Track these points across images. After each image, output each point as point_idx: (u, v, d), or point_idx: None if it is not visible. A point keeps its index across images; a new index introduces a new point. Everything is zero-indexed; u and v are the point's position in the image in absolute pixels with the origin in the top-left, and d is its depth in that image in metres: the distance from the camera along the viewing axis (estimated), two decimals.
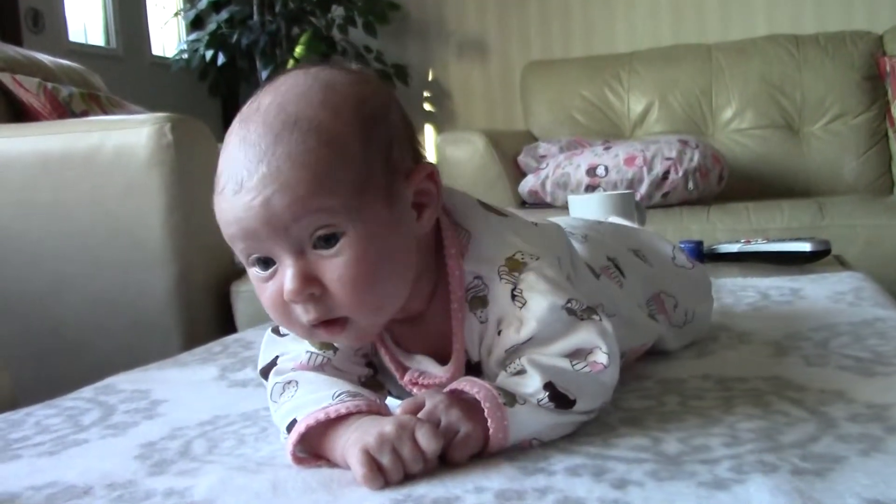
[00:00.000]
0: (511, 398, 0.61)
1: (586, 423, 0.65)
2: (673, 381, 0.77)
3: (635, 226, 0.98)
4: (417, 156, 0.66)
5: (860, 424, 0.61)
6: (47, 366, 1.57)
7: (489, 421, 0.60)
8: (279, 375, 0.69)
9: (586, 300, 0.66)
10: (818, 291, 1.16)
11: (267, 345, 0.73)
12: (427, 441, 0.57)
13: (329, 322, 0.61)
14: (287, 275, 0.59)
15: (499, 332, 0.66)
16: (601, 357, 0.64)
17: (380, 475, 0.56)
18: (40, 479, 0.65)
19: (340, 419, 0.61)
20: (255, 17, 3.25)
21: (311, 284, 0.59)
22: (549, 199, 2.50)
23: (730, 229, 2.15)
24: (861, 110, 2.79)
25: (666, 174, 2.34)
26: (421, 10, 3.61)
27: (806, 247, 1.46)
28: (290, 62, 3.20)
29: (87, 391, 0.92)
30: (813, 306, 1.07)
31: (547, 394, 0.61)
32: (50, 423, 0.80)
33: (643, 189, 2.33)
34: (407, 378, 0.70)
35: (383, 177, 0.61)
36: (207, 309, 1.64)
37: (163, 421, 0.78)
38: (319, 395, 0.64)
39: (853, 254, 1.93)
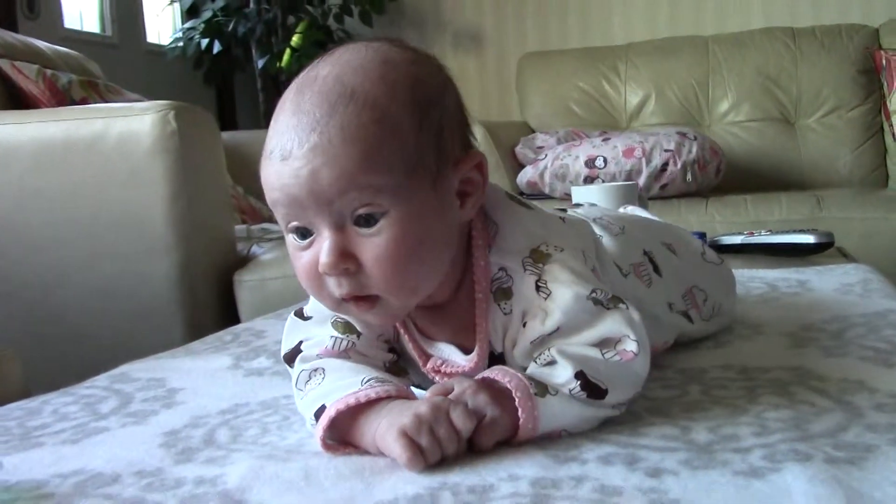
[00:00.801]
0: (542, 388, 0.61)
1: None
2: (694, 370, 0.77)
3: (663, 220, 0.98)
4: (467, 144, 0.66)
5: (887, 414, 0.62)
6: (50, 353, 1.56)
7: (520, 410, 0.60)
8: (305, 363, 0.69)
9: (611, 290, 0.66)
10: (826, 283, 1.16)
11: (290, 329, 0.73)
12: (462, 421, 0.58)
13: (360, 298, 0.62)
14: (324, 247, 0.59)
15: (524, 324, 0.66)
16: (630, 345, 0.63)
17: (421, 457, 0.56)
18: (65, 466, 0.64)
19: (370, 404, 0.62)
20: (252, 5, 3.23)
21: (347, 259, 0.59)
22: (547, 191, 2.50)
23: (728, 221, 2.16)
24: (856, 103, 2.80)
25: (665, 166, 2.35)
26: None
27: (810, 239, 1.46)
28: (287, 52, 3.18)
29: (101, 379, 0.91)
30: (823, 298, 1.08)
31: (578, 383, 0.61)
32: (68, 412, 0.80)
33: (642, 180, 2.33)
34: (430, 365, 0.70)
35: (432, 161, 0.61)
36: (210, 298, 1.64)
37: (182, 409, 0.78)
38: (348, 382, 0.64)
39: (850, 246, 1.93)
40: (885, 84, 2.73)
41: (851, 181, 2.74)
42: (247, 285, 1.63)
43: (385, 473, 0.57)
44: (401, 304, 0.64)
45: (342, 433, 0.63)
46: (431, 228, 0.61)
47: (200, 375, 0.90)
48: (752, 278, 1.25)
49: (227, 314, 1.64)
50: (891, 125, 2.72)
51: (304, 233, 0.61)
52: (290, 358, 0.71)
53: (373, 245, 0.59)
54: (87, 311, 1.56)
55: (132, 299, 1.55)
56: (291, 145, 0.58)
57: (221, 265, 1.67)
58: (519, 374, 0.62)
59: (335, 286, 0.61)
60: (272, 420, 0.73)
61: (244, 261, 1.73)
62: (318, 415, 0.63)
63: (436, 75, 0.65)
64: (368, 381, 0.63)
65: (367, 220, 0.59)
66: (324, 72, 0.60)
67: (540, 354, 0.65)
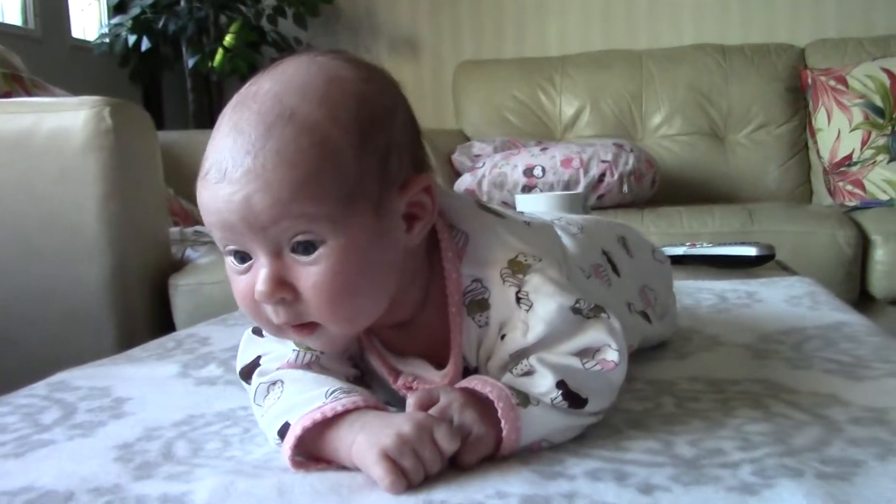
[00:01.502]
0: (524, 398, 0.59)
1: (592, 425, 0.64)
2: (662, 382, 0.77)
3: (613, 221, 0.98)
4: (419, 163, 0.63)
5: (865, 428, 0.62)
6: None
7: (503, 422, 0.58)
8: (263, 376, 0.66)
9: (593, 299, 0.65)
10: (774, 295, 1.18)
11: (247, 345, 0.70)
12: (447, 442, 0.55)
13: (299, 325, 0.59)
14: (260, 275, 0.56)
15: (502, 337, 0.64)
16: (612, 355, 0.62)
17: (403, 479, 0.53)
18: (11, 483, 0.60)
19: (337, 417, 0.58)
20: (182, 3, 3.15)
21: (282, 289, 0.57)
22: (485, 199, 2.49)
23: (664, 233, 2.18)
24: (783, 120, 2.88)
25: (602, 177, 2.36)
26: (352, 3, 3.56)
27: (752, 251, 1.48)
28: (220, 52, 3.11)
29: (39, 388, 0.86)
30: (773, 310, 1.09)
31: (560, 392, 0.60)
32: (6, 423, 0.74)
33: (579, 191, 2.34)
34: (400, 382, 0.67)
35: (374, 187, 0.58)
36: (144, 303, 1.58)
37: (133, 420, 0.73)
38: (310, 395, 0.61)
39: (781, 259, 1.98)
40: (811, 102, 2.81)
41: (778, 196, 2.81)
42: (182, 290, 1.58)
43: (364, 491, 0.54)
44: (341, 333, 0.61)
45: (310, 449, 0.59)
46: (372, 258, 0.59)
47: (147, 384, 0.85)
48: (699, 289, 1.25)
49: (161, 320, 1.58)
50: (815, 143, 2.80)
51: (242, 256, 0.58)
52: (248, 373, 0.68)
53: (310, 274, 0.56)
54: (14, 314, 1.48)
55: (62, 303, 1.49)
56: (226, 167, 0.55)
57: (156, 269, 1.61)
58: (499, 384, 0.60)
59: (272, 314, 0.58)
60: (232, 433, 0.69)
61: (179, 264, 1.67)
62: (281, 433, 0.60)
63: (385, 94, 0.61)
64: (333, 392, 0.60)
65: (306, 248, 0.56)
66: (264, 88, 0.57)
67: (516, 364, 0.63)
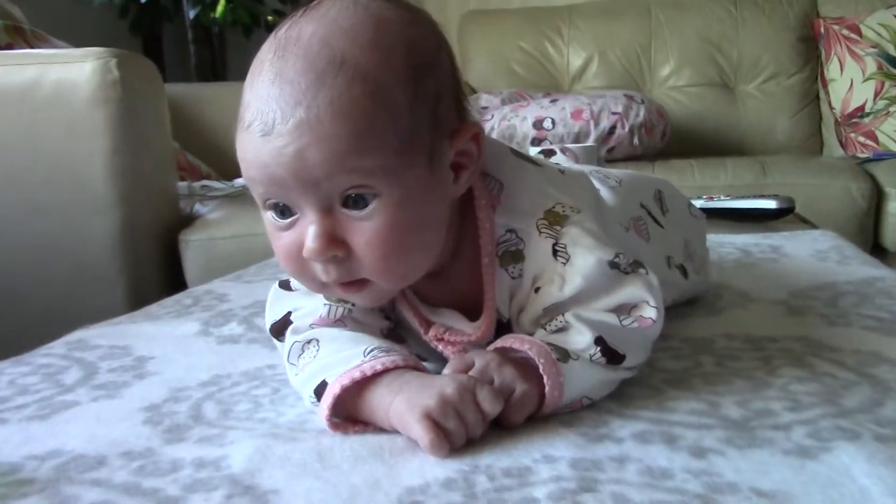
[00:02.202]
0: (564, 354, 0.57)
1: (631, 385, 0.62)
2: (699, 340, 0.75)
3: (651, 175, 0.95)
4: (462, 111, 0.60)
5: None
6: None
7: (545, 378, 0.56)
8: (297, 334, 0.64)
9: (631, 253, 0.63)
10: (799, 249, 1.15)
11: (274, 300, 0.68)
12: (490, 404, 0.53)
13: (348, 282, 0.57)
14: (310, 231, 0.54)
15: (536, 289, 0.62)
16: (649, 311, 0.61)
17: (446, 441, 0.52)
18: (39, 447, 0.58)
19: (376, 377, 0.56)
20: None
21: (336, 246, 0.54)
22: None
23: (676, 185, 2.15)
24: (795, 71, 2.83)
25: (612, 129, 2.33)
26: None
27: (771, 204, 1.46)
28: (221, 2, 3.04)
29: (57, 346, 0.84)
30: (801, 264, 1.07)
31: (598, 349, 0.58)
32: (27, 383, 0.73)
33: (590, 143, 2.31)
34: (432, 333, 0.65)
35: (427, 136, 0.55)
36: (154, 258, 1.56)
37: (158, 381, 0.72)
38: (348, 353, 0.59)
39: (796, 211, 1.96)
40: (823, 52, 2.76)
41: (789, 147, 2.77)
42: (193, 245, 1.56)
43: (406, 455, 0.53)
44: (392, 288, 0.60)
45: (348, 409, 0.57)
46: (425, 210, 0.56)
47: (168, 342, 0.83)
48: (721, 243, 1.23)
49: (172, 275, 1.56)
50: (827, 93, 2.75)
51: (283, 210, 0.55)
52: (279, 330, 0.66)
53: (363, 230, 0.54)
54: (21, 272, 1.46)
55: (70, 259, 1.46)
56: (273, 118, 0.52)
57: (165, 224, 1.59)
58: (537, 341, 0.58)
59: (321, 272, 0.56)
60: (261, 393, 0.67)
61: (188, 219, 1.65)
62: (318, 392, 0.58)
63: (431, 38, 0.58)
64: (371, 351, 0.58)
65: (357, 202, 0.53)
66: (307, 30, 0.53)
67: (550, 320, 0.61)
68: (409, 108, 0.54)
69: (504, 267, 0.62)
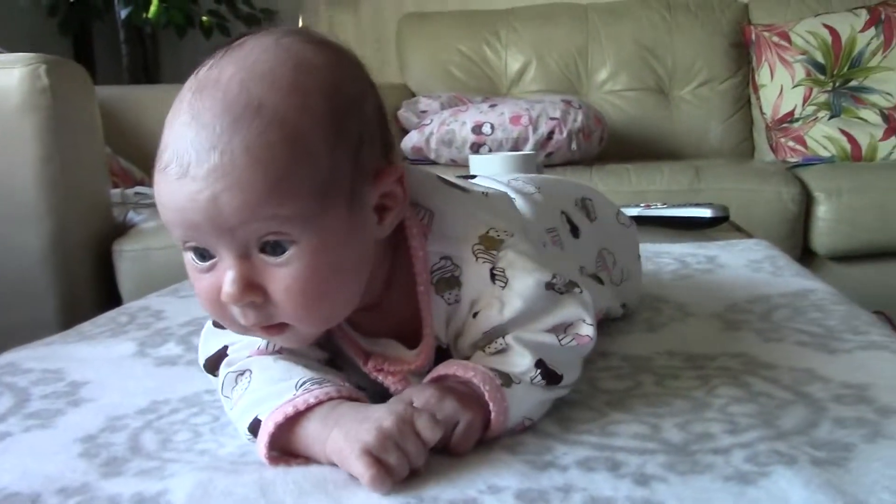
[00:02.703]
0: (507, 379, 0.58)
1: (574, 407, 0.63)
2: (639, 358, 0.76)
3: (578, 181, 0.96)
4: (388, 150, 0.60)
5: (849, 406, 0.62)
6: None
7: (491, 405, 0.56)
8: (230, 366, 0.63)
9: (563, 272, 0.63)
10: (734, 259, 1.18)
11: (209, 335, 0.67)
12: (430, 431, 0.53)
13: (268, 326, 0.56)
14: (227, 277, 0.53)
15: (474, 314, 0.62)
16: (586, 329, 0.62)
17: (387, 476, 0.51)
18: None
19: (309, 410, 0.56)
20: None
21: (252, 292, 0.53)
22: (433, 157, 2.46)
23: (614, 191, 2.17)
24: (727, 76, 2.89)
25: (551, 134, 2.35)
26: None
27: (707, 213, 1.49)
28: (154, 2, 2.98)
29: None
30: (736, 275, 1.09)
31: (539, 371, 0.59)
32: None
33: (528, 148, 2.32)
34: (371, 364, 0.65)
35: (347, 181, 0.55)
36: (86, 270, 1.52)
37: (93, 408, 0.70)
38: (280, 387, 0.58)
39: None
40: (754, 58, 2.83)
41: (721, 151, 2.83)
42: (127, 256, 1.53)
43: (351, 488, 0.52)
44: (313, 332, 0.59)
45: (284, 444, 0.56)
46: (345, 255, 0.56)
47: (103, 365, 0.82)
48: (659, 253, 1.25)
49: (105, 288, 1.53)
50: (758, 98, 2.82)
51: (203, 254, 0.54)
52: (214, 364, 0.65)
53: (281, 276, 0.53)
54: None
55: None
56: (188, 161, 0.51)
57: (98, 234, 1.55)
58: (480, 367, 0.58)
59: (240, 316, 0.55)
60: (201, 421, 0.66)
61: (122, 229, 1.61)
62: (252, 428, 0.57)
63: (355, 79, 0.58)
64: (303, 383, 0.57)
65: (274, 248, 0.53)
66: (227, 72, 0.53)
67: (489, 343, 0.61)
68: (328, 153, 0.53)
69: (440, 294, 0.62)
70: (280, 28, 0.58)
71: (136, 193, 1.83)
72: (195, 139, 0.51)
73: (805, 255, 2.21)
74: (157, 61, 3.29)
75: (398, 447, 0.52)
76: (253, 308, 0.54)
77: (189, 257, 0.55)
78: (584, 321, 0.62)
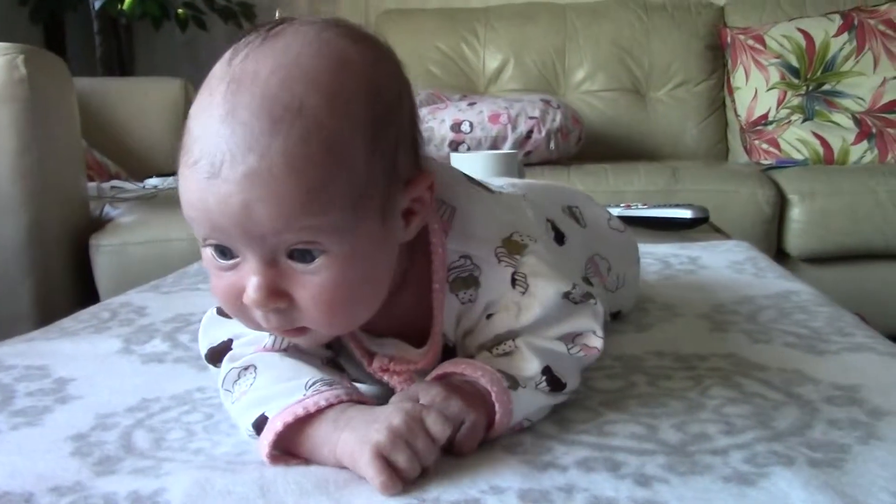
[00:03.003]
0: (514, 381, 0.58)
1: (569, 408, 0.63)
2: (630, 357, 0.76)
3: (567, 186, 0.96)
4: (418, 154, 0.58)
5: (841, 408, 0.62)
6: None
7: (497, 406, 0.56)
8: (234, 361, 0.61)
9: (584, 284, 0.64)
10: (716, 260, 1.19)
11: (210, 325, 0.65)
12: (440, 428, 0.52)
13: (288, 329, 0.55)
14: (252, 282, 0.52)
15: (488, 316, 0.62)
16: (595, 341, 0.62)
17: (397, 478, 0.50)
18: None
19: (319, 412, 0.55)
20: None
21: (278, 298, 0.52)
22: None
23: (591, 191, 2.14)
24: (703, 78, 2.91)
25: (530, 133, 2.35)
26: None
27: (687, 214, 1.50)
28: None
29: None
30: (719, 277, 1.10)
31: (545, 378, 0.59)
32: None
33: (507, 147, 2.32)
34: (376, 365, 0.64)
35: (382, 190, 0.53)
36: (62, 264, 1.50)
37: (81, 406, 0.69)
38: (289, 386, 0.57)
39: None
40: (730, 61, 2.85)
41: (697, 153, 2.86)
42: (105, 250, 1.51)
43: (352, 488, 0.52)
44: (333, 335, 0.59)
45: (288, 444, 0.56)
46: (374, 263, 0.55)
47: (89, 362, 0.80)
48: (642, 254, 1.24)
49: (81, 282, 1.51)
50: (733, 101, 2.84)
51: (224, 251, 0.53)
52: (217, 355, 0.64)
53: (309, 284, 0.52)
54: None
55: None
56: (222, 161, 0.49)
57: (74, 227, 1.53)
58: (488, 368, 0.58)
59: (261, 319, 0.54)
60: (194, 419, 0.65)
61: (99, 223, 1.59)
62: (257, 425, 0.56)
63: (394, 79, 0.56)
64: (313, 384, 0.56)
65: (303, 256, 0.51)
66: (266, 67, 0.50)
67: (498, 344, 0.61)
68: (365, 161, 0.52)
69: (454, 292, 0.62)
70: (318, 18, 0.55)
71: (113, 187, 1.81)
72: (230, 138, 0.49)
73: (778, 256, 2.23)
74: (131, 52, 3.25)
75: (408, 445, 0.51)
76: (276, 313, 0.53)
77: (208, 253, 0.54)
78: (594, 333, 0.62)
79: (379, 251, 0.55)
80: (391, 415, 0.53)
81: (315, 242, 0.51)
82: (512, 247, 0.61)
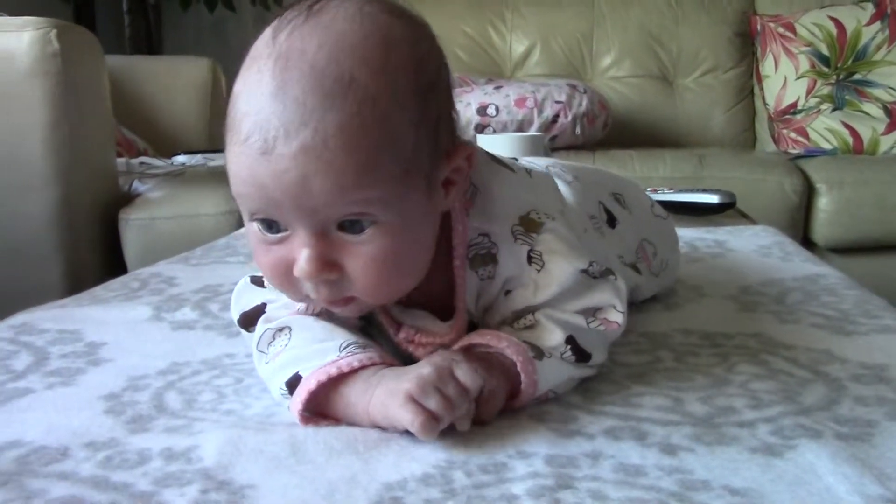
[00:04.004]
0: (539, 351, 0.58)
1: (595, 380, 0.64)
2: (657, 335, 0.76)
3: (612, 173, 0.96)
4: (454, 128, 0.59)
5: (868, 386, 0.62)
6: None
7: (522, 375, 0.57)
8: (269, 322, 0.63)
9: (601, 259, 0.64)
10: (743, 244, 1.18)
11: (244, 292, 0.67)
12: (470, 378, 0.53)
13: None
14: (304, 254, 0.52)
15: (506, 292, 0.63)
16: (616, 316, 0.63)
17: (434, 421, 0.51)
18: None
19: (352, 373, 0.56)
20: None
21: (329, 269, 0.53)
22: None
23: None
24: (731, 65, 2.89)
25: (556, 118, 2.35)
26: None
27: (714, 199, 1.49)
28: None
29: (2, 330, 0.81)
30: (746, 260, 1.09)
31: (569, 347, 0.60)
32: None
33: (533, 131, 2.32)
34: (403, 335, 0.65)
35: (428, 160, 0.55)
36: (92, 237, 1.52)
37: (114, 368, 0.70)
38: (323, 346, 0.58)
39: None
40: (759, 49, 2.83)
41: (723, 140, 2.84)
42: (134, 224, 1.52)
43: (381, 448, 0.52)
44: (380, 303, 0.60)
45: (319, 404, 0.56)
46: (420, 232, 0.56)
47: (120, 328, 0.81)
48: None
49: (111, 256, 1.53)
50: (761, 89, 2.82)
51: (270, 224, 0.53)
52: (251, 319, 0.65)
53: (359, 254, 0.53)
54: None
55: (4, 238, 1.42)
56: (275, 136, 0.49)
57: (104, 202, 1.55)
58: (513, 339, 0.59)
59: (311, 290, 0.55)
60: (224, 383, 0.66)
61: (127, 198, 1.61)
62: (290, 384, 0.57)
63: (434, 55, 0.57)
64: (347, 346, 0.57)
65: (353, 226, 0.52)
66: (313, 42, 0.51)
67: (518, 319, 0.62)
68: (413, 133, 0.53)
69: (474, 269, 0.62)
70: None
71: (142, 163, 1.83)
72: (283, 113, 0.49)
73: (804, 246, 2.21)
74: (159, 33, 3.27)
75: (439, 391, 0.52)
76: (326, 284, 0.54)
77: (255, 227, 0.54)
78: (614, 308, 0.62)
79: (424, 220, 0.56)
80: (421, 366, 0.54)
81: (366, 214, 0.52)
82: (529, 224, 0.62)
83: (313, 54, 0.50)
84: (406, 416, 0.51)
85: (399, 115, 0.52)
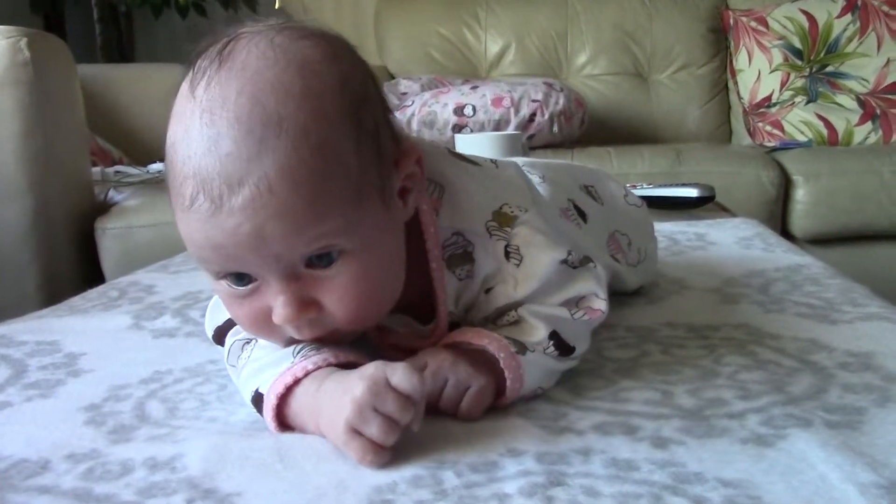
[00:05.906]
0: (521, 347, 0.58)
1: (582, 376, 0.63)
2: (642, 328, 0.76)
3: (582, 165, 0.95)
4: (395, 131, 0.58)
5: (856, 374, 0.62)
6: None
7: (506, 372, 0.56)
8: (237, 333, 0.62)
9: (578, 248, 0.63)
10: (723, 237, 1.18)
11: (218, 307, 0.66)
12: (408, 381, 0.49)
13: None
14: (279, 301, 0.51)
15: (487, 290, 0.62)
16: (599, 304, 0.63)
17: (378, 451, 0.49)
18: None
19: (308, 375, 0.54)
20: None
21: (308, 309, 0.52)
22: None
23: None
24: (705, 61, 2.90)
25: (532, 116, 2.34)
26: None
27: (693, 192, 1.49)
28: None
29: None
30: (728, 252, 1.09)
31: (552, 342, 0.59)
32: None
33: (510, 130, 2.32)
34: (385, 341, 0.64)
35: (376, 175, 0.53)
36: (68, 247, 1.50)
37: (94, 379, 0.69)
38: (279, 354, 0.56)
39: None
40: (732, 43, 2.84)
41: (699, 136, 2.85)
42: (110, 234, 1.50)
43: None
44: (365, 328, 0.58)
45: (288, 415, 0.55)
46: (388, 247, 0.55)
47: (99, 337, 0.80)
48: None
49: (87, 265, 1.51)
50: (736, 83, 2.83)
51: (239, 276, 0.52)
52: (222, 333, 0.64)
53: (334, 287, 0.52)
54: None
55: None
56: (219, 193, 0.48)
57: (80, 211, 1.53)
58: (494, 335, 0.58)
59: (294, 332, 0.54)
60: (207, 390, 0.65)
61: (103, 207, 1.59)
62: (254, 402, 0.56)
63: (356, 67, 0.55)
64: (301, 350, 0.56)
65: (321, 260, 0.51)
66: (231, 89, 0.49)
67: (501, 316, 0.61)
68: (355, 153, 0.51)
69: (451, 269, 0.62)
70: (262, 25, 0.53)
71: (117, 172, 1.81)
72: (221, 170, 0.48)
73: (783, 238, 2.23)
74: (131, 40, 3.24)
75: (377, 412, 0.49)
76: (308, 323, 0.53)
77: (223, 285, 0.53)
78: (596, 295, 0.62)
79: (389, 236, 0.55)
80: (354, 384, 0.50)
81: (329, 245, 0.51)
82: (503, 219, 0.61)
83: (235, 102, 0.48)
84: (352, 454, 0.50)
85: (336, 139, 0.50)
